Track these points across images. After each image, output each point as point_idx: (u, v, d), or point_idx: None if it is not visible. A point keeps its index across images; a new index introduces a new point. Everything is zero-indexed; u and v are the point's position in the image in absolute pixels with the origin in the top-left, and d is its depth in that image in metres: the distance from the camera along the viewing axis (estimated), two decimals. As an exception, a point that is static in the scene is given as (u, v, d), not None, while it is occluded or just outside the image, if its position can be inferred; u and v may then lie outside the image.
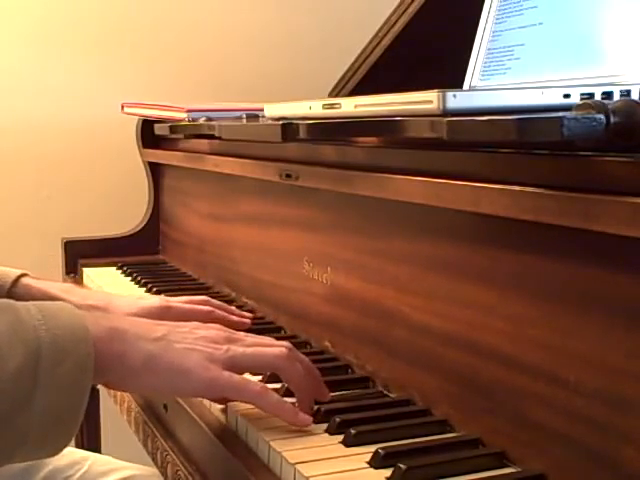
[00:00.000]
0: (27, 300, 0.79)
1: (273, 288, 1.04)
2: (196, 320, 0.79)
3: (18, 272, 0.97)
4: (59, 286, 0.98)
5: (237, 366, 0.70)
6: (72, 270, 1.48)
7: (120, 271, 1.39)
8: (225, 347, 0.71)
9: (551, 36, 0.81)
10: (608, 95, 0.63)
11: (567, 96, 0.62)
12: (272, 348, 0.73)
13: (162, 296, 0.98)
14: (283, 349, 0.73)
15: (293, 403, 0.72)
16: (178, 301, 0.95)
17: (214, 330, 0.74)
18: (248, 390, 0.69)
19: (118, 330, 0.67)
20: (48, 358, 0.60)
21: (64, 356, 0.60)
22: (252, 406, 0.74)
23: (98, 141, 1.78)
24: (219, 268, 1.23)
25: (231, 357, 0.70)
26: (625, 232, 0.50)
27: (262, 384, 0.71)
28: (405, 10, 1.13)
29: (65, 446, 0.63)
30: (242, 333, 0.76)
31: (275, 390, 0.73)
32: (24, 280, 0.97)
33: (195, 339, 0.71)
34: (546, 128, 0.52)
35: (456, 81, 0.90)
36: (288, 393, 0.75)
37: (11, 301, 0.64)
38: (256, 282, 1.10)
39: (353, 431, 0.66)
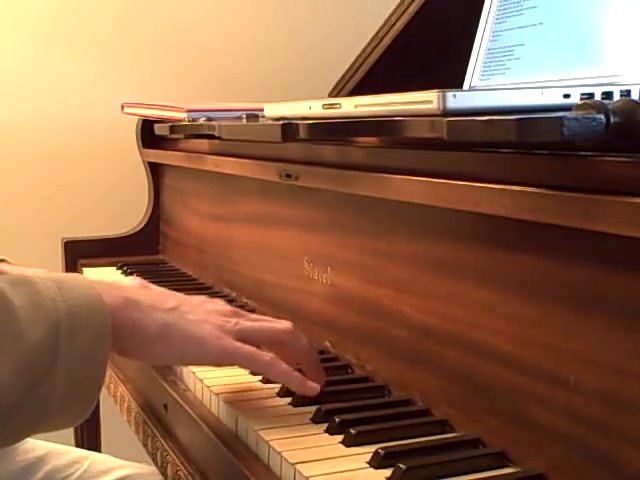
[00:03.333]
0: None
1: (273, 288, 1.04)
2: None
3: None
4: (33, 271, 0.98)
5: (246, 338, 0.73)
6: (72, 270, 1.48)
7: (120, 271, 1.39)
8: (234, 320, 0.74)
9: (551, 36, 0.81)
10: (608, 95, 0.63)
11: (567, 96, 0.62)
12: (278, 323, 0.77)
13: (138, 278, 0.98)
14: (289, 324, 0.76)
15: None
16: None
17: (221, 305, 0.77)
18: (259, 359, 0.72)
19: (132, 300, 0.69)
20: (67, 329, 0.61)
21: (82, 326, 0.62)
22: (252, 406, 0.74)
23: (98, 141, 1.78)
24: (219, 268, 1.23)
25: (240, 329, 0.73)
26: (625, 232, 0.50)
27: (272, 354, 0.73)
28: (405, 10, 1.13)
29: (85, 416, 0.65)
30: (245, 312, 0.79)
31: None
32: (0, 266, 0.97)
33: (205, 312, 0.73)
34: (546, 128, 0.52)
35: (456, 81, 0.90)
36: (288, 393, 0.76)
37: (27, 275, 0.65)
38: (256, 282, 1.10)
39: (353, 431, 0.66)
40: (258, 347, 0.74)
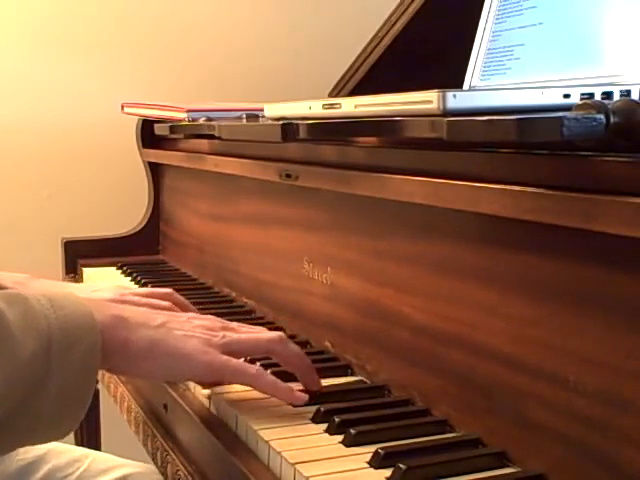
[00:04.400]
0: None
1: (273, 288, 1.04)
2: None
3: None
4: (11, 277, 0.96)
5: (233, 351, 0.73)
6: (72, 270, 1.48)
7: (120, 271, 1.39)
8: (221, 334, 0.74)
9: (551, 36, 0.81)
10: (608, 95, 0.63)
11: (567, 96, 0.62)
12: (265, 333, 0.77)
13: (118, 286, 0.97)
14: (275, 334, 0.77)
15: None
16: (136, 293, 0.93)
17: (209, 321, 0.77)
18: (245, 372, 0.73)
19: (121, 318, 0.69)
20: (59, 345, 0.62)
21: (74, 342, 0.63)
22: (252, 406, 0.74)
23: (98, 141, 1.78)
24: (219, 268, 1.23)
25: (227, 343, 0.73)
26: (625, 232, 0.50)
27: (258, 367, 0.74)
28: (405, 10, 1.13)
29: (73, 429, 0.65)
30: (235, 323, 0.79)
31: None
32: None
33: (192, 327, 0.74)
34: (546, 128, 0.52)
35: (456, 81, 0.90)
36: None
37: (20, 292, 0.65)
38: (256, 282, 1.10)
39: (353, 431, 0.66)
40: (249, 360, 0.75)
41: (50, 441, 0.66)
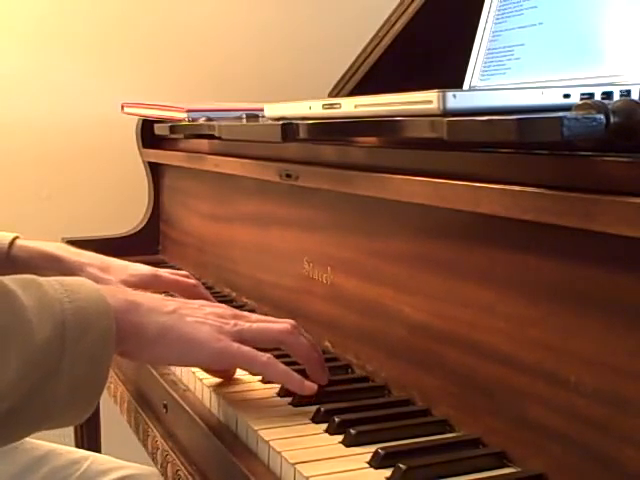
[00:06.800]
0: (27, 260, 0.84)
1: (273, 288, 1.04)
2: (181, 292, 0.92)
3: (11, 235, 1.01)
4: (52, 245, 1.01)
5: (244, 339, 0.73)
6: (72, 270, 1.48)
7: (120, 271, 1.38)
8: (233, 322, 0.74)
9: (551, 36, 0.81)
10: (608, 95, 0.63)
11: (567, 96, 0.62)
12: (277, 324, 0.77)
13: (148, 266, 1.01)
14: (287, 325, 0.77)
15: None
16: (165, 272, 1.00)
17: (221, 308, 0.78)
18: (256, 360, 0.73)
19: (133, 303, 0.70)
20: (73, 330, 0.62)
21: (88, 328, 0.63)
22: (252, 406, 0.74)
23: (98, 141, 1.78)
24: (219, 268, 1.23)
25: (239, 331, 0.74)
26: (625, 232, 0.50)
27: (269, 355, 0.73)
28: (405, 10, 1.13)
29: (87, 415, 0.66)
30: (246, 312, 0.80)
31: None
32: (19, 242, 1.00)
33: (204, 314, 0.74)
34: (546, 128, 0.52)
35: (456, 81, 0.90)
36: (288, 393, 0.76)
37: (34, 276, 0.66)
38: (256, 282, 1.10)
39: (353, 431, 0.66)
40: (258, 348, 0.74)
41: (63, 427, 0.66)
